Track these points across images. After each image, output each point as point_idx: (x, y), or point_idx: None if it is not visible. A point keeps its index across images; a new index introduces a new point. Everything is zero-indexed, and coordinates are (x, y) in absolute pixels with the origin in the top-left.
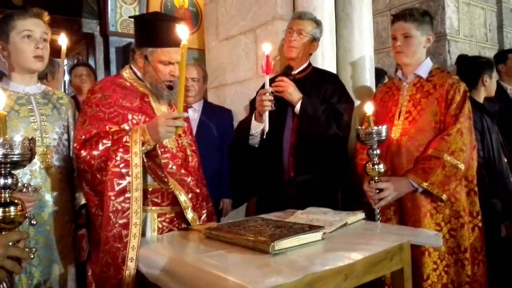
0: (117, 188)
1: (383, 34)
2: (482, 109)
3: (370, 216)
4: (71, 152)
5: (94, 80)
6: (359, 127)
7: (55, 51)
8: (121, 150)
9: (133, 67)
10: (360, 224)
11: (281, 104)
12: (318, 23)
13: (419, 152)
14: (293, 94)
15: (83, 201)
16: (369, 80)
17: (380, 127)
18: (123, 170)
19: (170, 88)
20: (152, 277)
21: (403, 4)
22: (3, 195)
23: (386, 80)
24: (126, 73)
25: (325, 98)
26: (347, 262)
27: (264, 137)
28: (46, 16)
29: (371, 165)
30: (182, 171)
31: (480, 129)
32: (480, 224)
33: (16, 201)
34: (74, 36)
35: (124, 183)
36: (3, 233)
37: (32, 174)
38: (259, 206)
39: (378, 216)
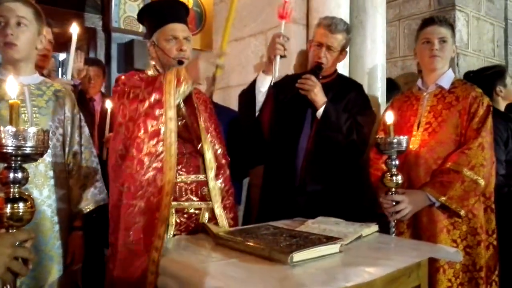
0: (150, 130)
1: (391, 44)
2: (506, 117)
3: (382, 228)
4: (67, 148)
5: (103, 79)
6: (378, 136)
7: (61, 44)
8: (154, 91)
9: (155, 64)
10: (374, 237)
11: (300, 108)
12: (348, 31)
13: (437, 164)
14: (319, 95)
15: (87, 207)
16: (380, 89)
17: (401, 137)
18: (157, 112)
19: (180, 63)
20: (162, 284)
21: (413, 15)
22: (12, 190)
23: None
24: (149, 71)
25: (347, 107)
26: (368, 278)
27: (272, 84)
28: None
29: (389, 176)
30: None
31: (505, 138)
32: (495, 243)
33: (25, 197)
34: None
35: (157, 125)
36: (11, 231)
37: None
38: (263, 211)
39: (393, 229)
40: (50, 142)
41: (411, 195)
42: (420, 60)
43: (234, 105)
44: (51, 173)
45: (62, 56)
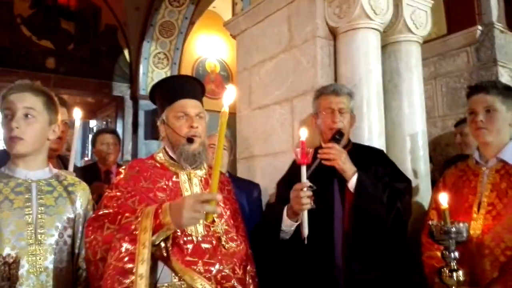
0: None
1: (428, 103)
2: None
3: None
4: (76, 251)
5: (119, 149)
6: (431, 222)
7: (90, 112)
8: (126, 239)
9: (165, 146)
10: None
11: (325, 183)
12: (351, 96)
13: (506, 256)
14: (347, 164)
15: None
16: (422, 157)
17: (460, 224)
18: (127, 266)
19: (190, 141)
20: None
21: (449, 73)
22: None
23: None
24: (159, 154)
25: (377, 177)
26: None
27: (305, 242)
28: (37, 86)
29: (447, 271)
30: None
31: None
32: None
33: None
34: (104, 99)
35: (127, 282)
36: None
37: None
38: None
39: None
40: (54, 247)
41: None
42: (470, 132)
43: (258, 176)
44: (56, 283)
45: (92, 123)
